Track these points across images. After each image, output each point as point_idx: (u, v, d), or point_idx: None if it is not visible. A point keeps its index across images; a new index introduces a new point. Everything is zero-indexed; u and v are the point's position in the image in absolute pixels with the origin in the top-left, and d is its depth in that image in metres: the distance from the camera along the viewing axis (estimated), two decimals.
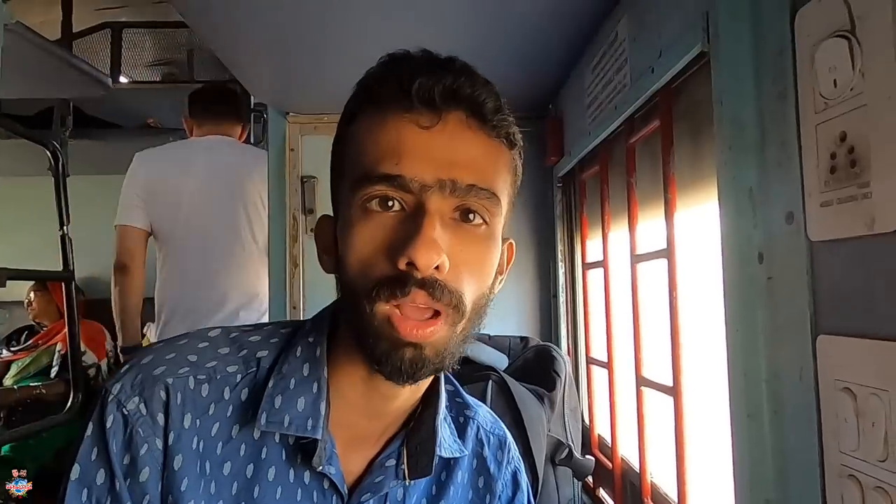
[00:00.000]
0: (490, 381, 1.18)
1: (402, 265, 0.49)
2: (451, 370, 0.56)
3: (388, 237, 0.51)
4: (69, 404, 1.88)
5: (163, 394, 0.54)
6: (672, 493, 1.02)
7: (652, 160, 1.07)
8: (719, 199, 0.71)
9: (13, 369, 2.97)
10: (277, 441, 0.57)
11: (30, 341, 3.12)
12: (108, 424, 0.53)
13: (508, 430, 0.76)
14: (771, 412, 0.63)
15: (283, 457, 0.57)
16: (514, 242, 0.62)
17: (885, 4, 0.46)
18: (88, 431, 0.54)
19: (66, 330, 1.98)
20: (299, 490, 0.57)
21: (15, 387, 2.83)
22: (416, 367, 0.51)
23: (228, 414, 0.56)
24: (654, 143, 1.03)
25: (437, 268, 0.49)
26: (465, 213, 0.52)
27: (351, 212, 0.52)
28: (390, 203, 0.51)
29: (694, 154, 0.93)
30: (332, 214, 0.59)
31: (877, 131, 0.47)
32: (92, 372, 2.93)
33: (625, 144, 1.15)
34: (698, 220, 0.91)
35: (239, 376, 0.57)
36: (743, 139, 0.66)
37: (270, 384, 0.56)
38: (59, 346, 2.95)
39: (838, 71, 0.51)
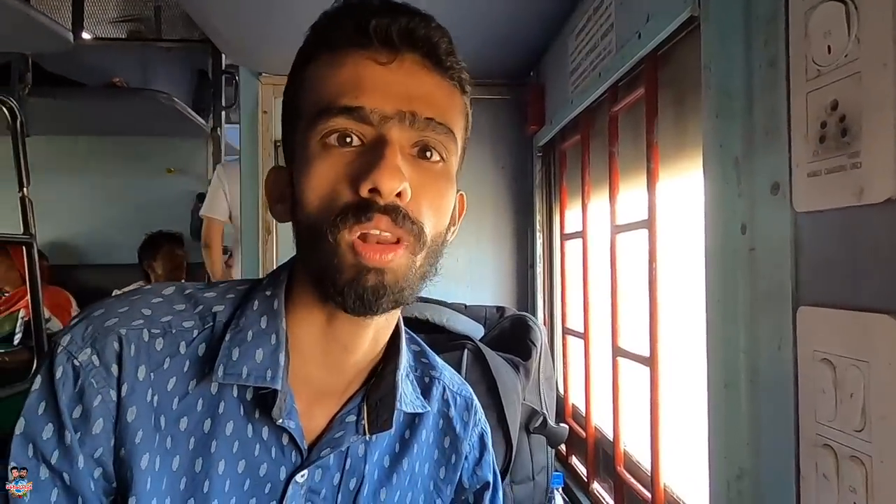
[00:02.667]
0: (466, 350, 1.18)
1: (364, 192, 0.49)
2: (420, 332, 0.55)
3: (349, 168, 0.51)
4: (32, 372, 1.84)
5: (116, 345, 0.53)
6: (644, 461, 1.03)
7: (635, 129, 1.05)
8: (704, 169, 0.70)
9: None
10: (235, 395, 0.56)
11: None
12: (58, 376, 0.52)
13: (483, 398, 0.76)
14: (748, 382, 0.63)
15: (242, 411, 0.56)
16: (464, 194, 0.63)
17: None
18: (36, 385, 0.52)
19: (28, 296, 1.92)
20: (258, 445, 0.56)
21: None
22: (378, 294, 0.50)
23: (185, 369, 0.55)
24: (637, 112, 1.02)
25: (399, 196, 0.50)
26: (423, 150, 0.53)
27: (309, 150, 0.52)
28: (349, 139, 0.51)
29: (678, 123, 0.91)
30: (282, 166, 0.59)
31: (870, 99, 0.46)
32: None
33: (608, 113, 1.13)
34: (680, 191, 0.91)
35: (195, 332, 0.56)
36: (730, 107, 0.65)
37: (227, 337, 0.55)
38: (21, 313, 2.86)
39: (833, 36, 0.49)
